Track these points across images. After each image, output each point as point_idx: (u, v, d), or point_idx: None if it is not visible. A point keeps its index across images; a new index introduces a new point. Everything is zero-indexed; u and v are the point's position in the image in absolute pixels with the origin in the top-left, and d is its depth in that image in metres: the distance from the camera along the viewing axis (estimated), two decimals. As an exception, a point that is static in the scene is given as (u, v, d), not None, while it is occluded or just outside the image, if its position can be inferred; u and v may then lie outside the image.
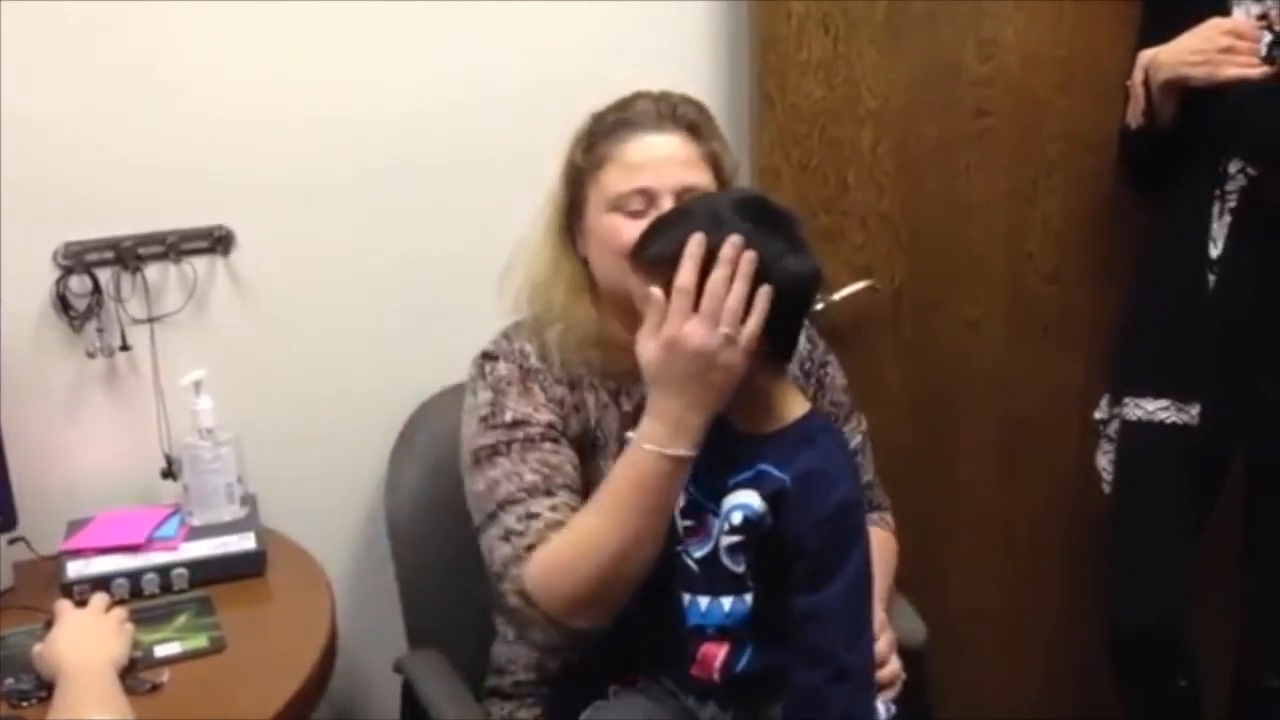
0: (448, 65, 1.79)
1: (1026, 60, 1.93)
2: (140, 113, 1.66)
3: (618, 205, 1.41)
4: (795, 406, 1.30)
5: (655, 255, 1.27)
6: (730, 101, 1.92)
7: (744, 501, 1.25)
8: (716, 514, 1.28)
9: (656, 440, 1.27)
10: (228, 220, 1.73)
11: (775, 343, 1.27)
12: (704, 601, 1.30)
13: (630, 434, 1.32)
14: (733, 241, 1.22)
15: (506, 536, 1.37)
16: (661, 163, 1.41)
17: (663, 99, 1.46)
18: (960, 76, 1.92)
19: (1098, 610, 1.92)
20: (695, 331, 1.23)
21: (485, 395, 1.46)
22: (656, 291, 1.25)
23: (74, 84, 1.62)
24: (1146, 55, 1.73)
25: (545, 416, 1.44)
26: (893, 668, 1.44)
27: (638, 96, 1.47)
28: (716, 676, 1.31)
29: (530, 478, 1.39)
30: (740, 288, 1.22)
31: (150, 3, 1.63)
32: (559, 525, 1.35)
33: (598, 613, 1.33)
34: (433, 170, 1.77)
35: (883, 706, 1.37)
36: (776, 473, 1.25)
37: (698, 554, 1.30)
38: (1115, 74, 1.83)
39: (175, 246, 1.70)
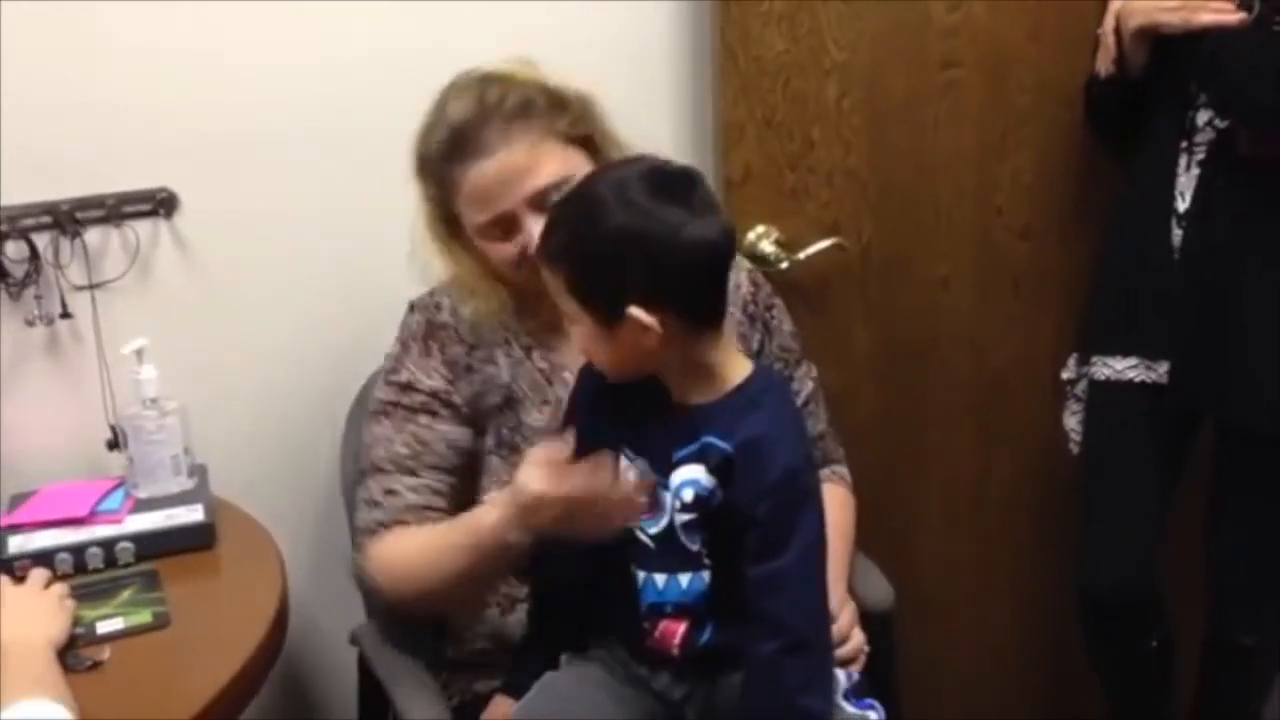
0: (396, 19, 1.73)
1: (995, 9, 1.88)
2: (76, 71, 1.60)
3: (484, 233, 1.40)
4: (736, 370, 1.26)
5: (558, 250, 1.22)
6: (693, 55, 1.88)
7: (692, 477, 1.22)
8: (666, 488, 1.25)
9: (501, 525, 1.31)
10: (170, 182, 1.67)
11: (703, 312, 1.22)
12: (660, 579, 1.27)
13: (496, 494, 1.38)
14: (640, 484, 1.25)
15: (369, 503, 1.46)
16: (506, 183, 1.37)
17: (481, 101, 1.37)
18: (928, 27, 1.87)
19: (1069, 570, 1.91)
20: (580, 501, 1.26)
21: (395, 348, 1.51)
22: (564, 443, 1.28)
23: (7, 43, 1.56)
24: (1119, 2, 1.69)
25: (432, 383, 1.46)
26: (855, 642, 1.43)
27: (451, 97, 1.39)
28: (676, 651, 1.29)
29: (400, 449, 1.44)
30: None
31: (83, -42, 1.57)
32: (417, 509, 1.43)
33: (429, 610, 1.45)
34: (382, 129, 1.70)
35: (843, 675, 1.36)
36: (720, 443, 1.21)
37: (652, 530, 1.27)
38: (1087, 22, 1.79)
39: (116, 210, 1.64)
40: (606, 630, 1.38)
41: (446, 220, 1.43)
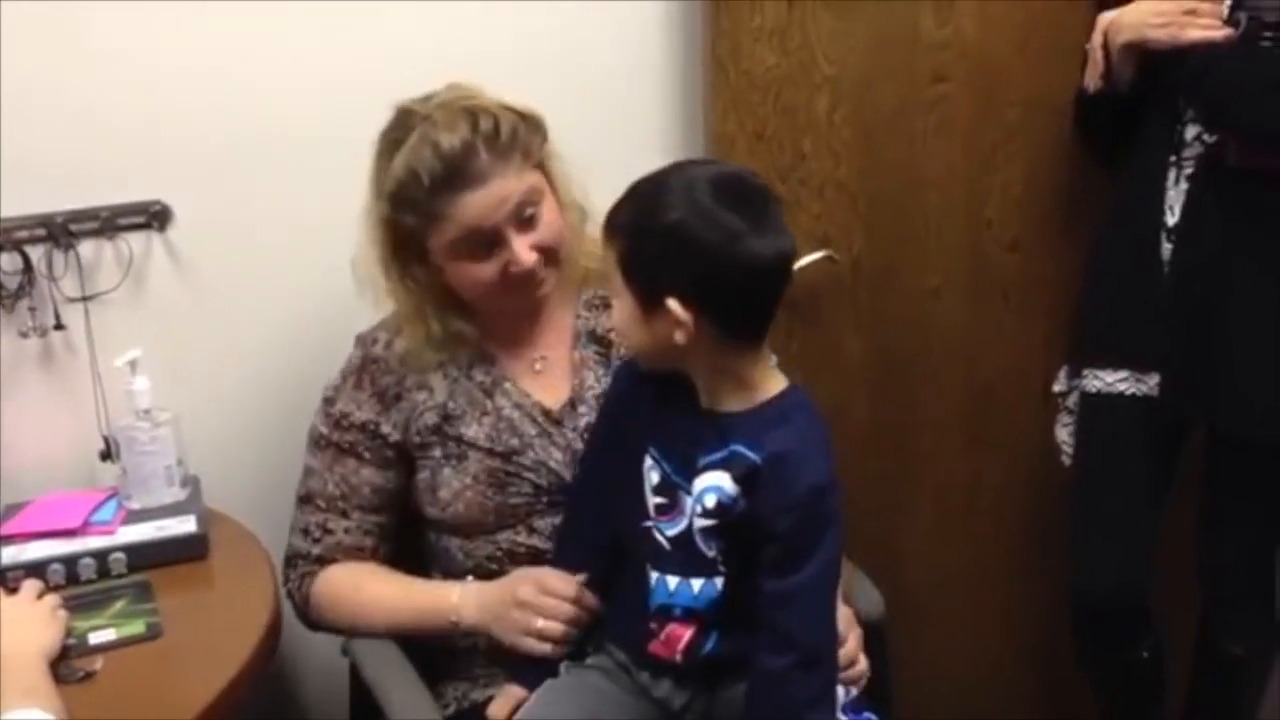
0: (390, 35, 1.75)
1: (984, 24, 1.90)
2: (70, 84, 1.61)
3: (462, 253, 1.42)
4: (771, 384, 1.28)
5: (619, 224, 1.26)
6: (684, 68, 1.89)
7: (716, 484, 1.23)
8: (689, 493, 1.26)
9: (457, 612, 1.44)
10: (164, 195, 1.68)
11: (740, 325, 1.24)
12: (673, 581, 1.28)
13: (466, 582, 1.48)
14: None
15: (305, 532, 1.54)
16: (495, 206, 1.40)
17: (474, 130, 1.38)
18: (917, 41, 1.89)
19: (1061, 580, 1.91)
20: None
21: (335, 378, 1.56)
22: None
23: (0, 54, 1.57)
24: (1107, 17, 1.71)
25: (363, 414, 1.52)
26: (861, 666, 1.44)
27: (439, 128, 1.38)
28: (679, 657, 1.30)
29: (331, 489, 1.53)
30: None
31: (79, -29, 1.58)
32: (349, 549, 1.53)
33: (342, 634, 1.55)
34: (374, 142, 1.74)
35: (841, 690, 1.37)
36: (749, 453, 1.23)
37: (670, 532, 1.29)
38: (1075, 37, 1.80)
39: (109, 222, 1.65)
40: (612, 631, 1.39)
41: (405, 250, 1.45)
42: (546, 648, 1.40)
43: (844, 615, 1.43)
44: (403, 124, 1.42)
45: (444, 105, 1.42)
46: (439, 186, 1.38)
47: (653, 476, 1.30)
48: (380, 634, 1.52)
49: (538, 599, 1.40)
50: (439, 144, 1.38)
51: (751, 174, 1.29)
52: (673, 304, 1.20)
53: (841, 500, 1.26)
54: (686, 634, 1.29)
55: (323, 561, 1.54)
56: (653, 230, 1.21)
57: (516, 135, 1.41)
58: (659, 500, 1.30)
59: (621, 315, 1.27)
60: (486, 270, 1.43)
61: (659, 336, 1.23)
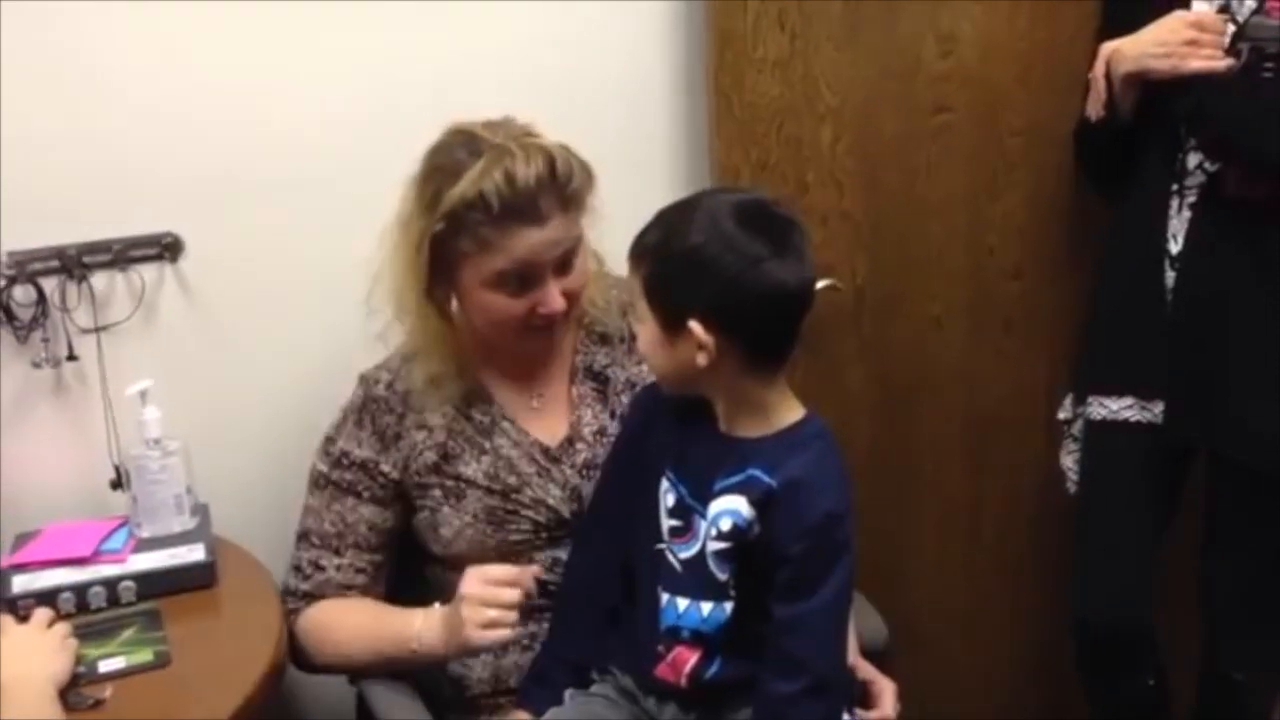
0: (401, 66, 1.77)
1: (985, 54, 1.92)
2: (83, 118, 1.63)
3: (499, 286, 1.43)
4: (790, 411, 1.30)
5: (645, 248, 1.28)
6: (688, 100, 1.91)
7: (732, 508, 1.25)
8: (704, 516, 1.28)
9: (419, 639, 1.46)
10: (175, 227, 1.70)
11: (761, 348, 1.25)
12: (682, 603, 1.29)
13: (431, 609, 1.47)
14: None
15: (298, 569, 1.56)
16: (549, 247, 1.41)
17: (552, 169, 1.39)
18: (919, 72, 1.91)
19: (1064, 608, 1.91)
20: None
21: (338, 416, 1.58)
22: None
23: (14, 89, 1.59)
24: (1109, 47, 1.71)
25: (362, 453, 1.54)
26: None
27: (515, 157, 1.38)
28: (684, 681, 1.31)
29: (327, 527, 1.55)
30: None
31: (91, 3, 1.60)
32: (339, 587, 1.55)
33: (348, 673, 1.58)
34: (384, 173, 1.74)
35: (847, 716, 1.38)
36: (765, 478, 1.24)
37: (683, 554, 1.30)
38: (1075, 66, 1.82)
39: (122, 254, 1.67)
40: (619, 655, 1.40)
41: (436, 272, 1.45)
42: (505, 634, 1.39)
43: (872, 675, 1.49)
44: (466, 146, 1.42)
45: (518, 139, 1.41)
46: (504, 216, 1.38)
47: (668, 499, 1.32)
48: (361, 669, 1.53)
49: (483, 590, 1.39)
50: (514, 175, 1.38)
51: (776, 202, 1.31)
52: (695, 326, 1.22)
53: (855, 529, 1.27)
54: (693, 658, 1.30)
55: (310, 598, 1.55)
56: (677, 253, 1.24)
57: (581, 184, 1.43)
58: (673, 523, 1.31)
59: (645, 339, 1.29)
60: (515, 307, 1.44)
61: (681, 360, 1.25)
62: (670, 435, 1.34)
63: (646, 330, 1.28)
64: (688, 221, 1.24)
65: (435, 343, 1.49)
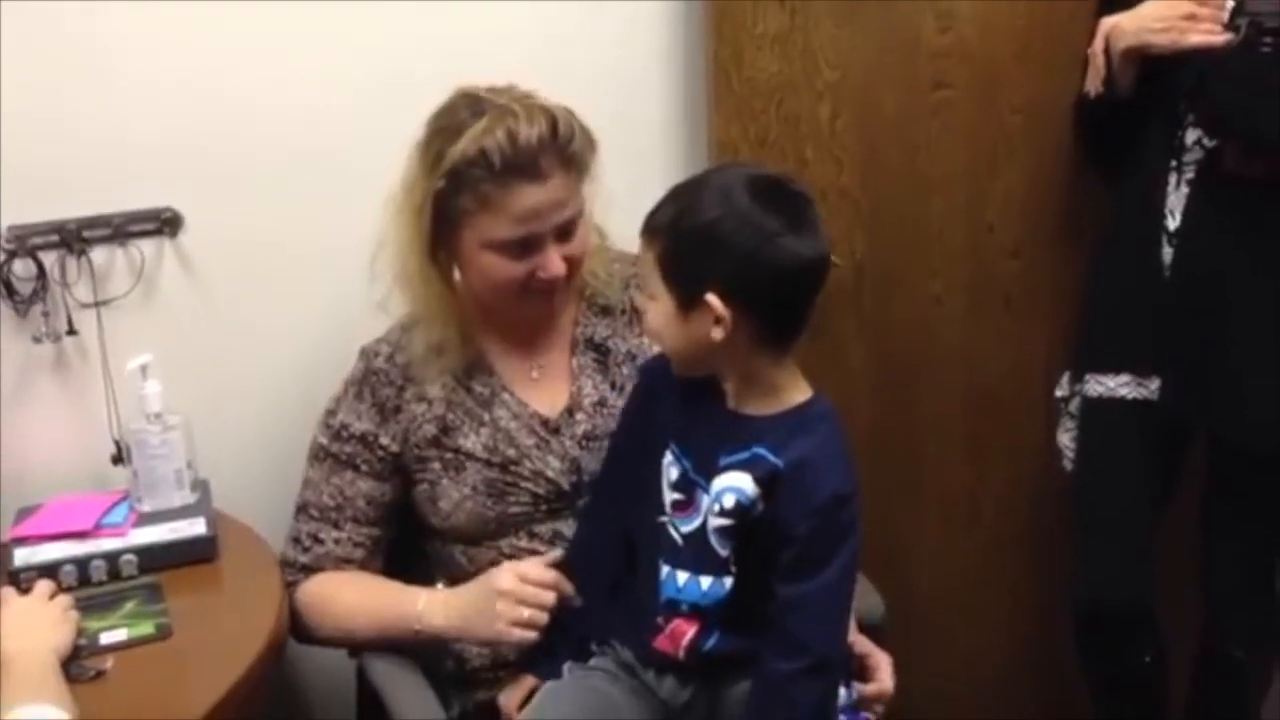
0: (400, 39, 1.76)
1: (985, 30, 1.91)
2: (82, 93, 1.63)
3: (500, 248, 1.43)
4: (797, 391, 1.30)
5: (659, 224, 1.27)
6: (686, 75, 1.91)
7: (736, 485, 1.25)
8: (707, 491, 1.28)
9: (420, 619, 1.47)
10: (175, 202, 1.70)
11: (775, 324, 1.26)
12: (682, 576, 1.30)
13: (435, 589, 1.51)
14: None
15: (296, 541, 1.57)
16: (548, 210, 1.42)
17: (554, 129, 1.39)
18: (919, 48, 1.90)
19: (1063, 584, 1.92)
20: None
21: (338, 389, 1.58)
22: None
23: (12, 65, 1.59)
24: (1108, 22, 1.71)
25: (362, 425, 1.54)
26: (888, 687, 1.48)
27: (519, 117, 1.38)
28: (682, 654, 1.31)
29: (326, 500, 1.56)
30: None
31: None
32: (338, 560, 1.55)
33: (347, 646, 1.58)
34: (385, 148, 1.74)
35: (843, 691, 1.38)
36: (771, 457, 1.25)
37: (685, 528, 1.31)
38: (1075, 42, 1.81)
39: (121, 229, 1.67)
40: (619, 628, 1.41)
41: (438, 235, 1.45)
42: (532, 635, 1.41)
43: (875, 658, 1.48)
44: (470, 108, 1.42)
45: (521, 100, 1.42)
46: (505, 173, 1.39)
47: (671, 472, 1.32)
48: (362, 644, 1.54)
49: (520, 587, 1.41)
50: (516, 133, 1.38)
51: (790, 177, 1.31)
52: (712, 299, 1.22)
53: (860, 511, 1.28)
54: (690, 630, 1.31)
55: (308, 571, 1.55)
56: (692, 228, 1.24)
57: (582, 146, 1.43)
58: (676, 496, 1.32)
59: (658, 316, 1.29)
60: (515, 270, 1.44)
61: (696, 335, 1.25)
62: (675, 409, 1.34)
63: (659, 307, 1.28)
64: (701, 197, 1.24)
65: (437, 308, 1.49)
